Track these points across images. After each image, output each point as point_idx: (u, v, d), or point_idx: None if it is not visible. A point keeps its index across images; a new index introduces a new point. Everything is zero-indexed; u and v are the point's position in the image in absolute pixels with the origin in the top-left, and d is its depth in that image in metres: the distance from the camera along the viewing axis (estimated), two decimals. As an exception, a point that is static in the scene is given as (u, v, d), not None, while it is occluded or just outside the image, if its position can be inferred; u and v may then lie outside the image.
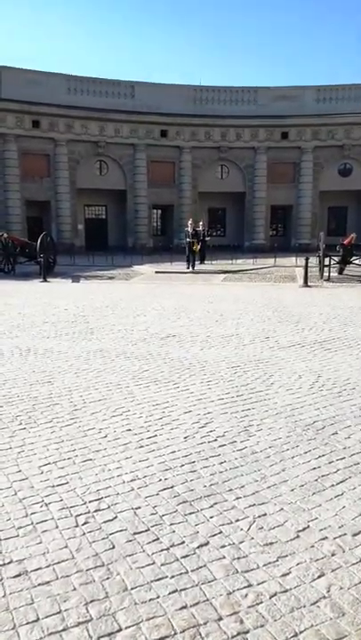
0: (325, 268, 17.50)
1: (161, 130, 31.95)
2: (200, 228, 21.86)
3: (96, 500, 3.15)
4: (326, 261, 17.61)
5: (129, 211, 32.59)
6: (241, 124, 32.36)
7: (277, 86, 32.72)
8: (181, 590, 2.40)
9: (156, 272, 20.20)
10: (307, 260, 15.74)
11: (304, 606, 2.30)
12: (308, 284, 15.40)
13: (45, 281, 16.90)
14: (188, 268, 20.44)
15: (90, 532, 2.83)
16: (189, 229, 20.74)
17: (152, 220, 34.16)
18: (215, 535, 2.81)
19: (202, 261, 22.74)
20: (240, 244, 33.22)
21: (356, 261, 17.79)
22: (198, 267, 21.72)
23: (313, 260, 17.77)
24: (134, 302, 12.03)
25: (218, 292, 14.23)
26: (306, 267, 15.59)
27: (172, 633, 2.15)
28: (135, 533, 2.82)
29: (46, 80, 29.67)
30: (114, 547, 2.70)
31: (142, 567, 2.55)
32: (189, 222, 21.34)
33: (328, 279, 17.07)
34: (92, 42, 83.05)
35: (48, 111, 29.54)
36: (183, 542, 2.74)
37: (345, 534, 2.81)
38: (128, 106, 31.20)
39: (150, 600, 2.33)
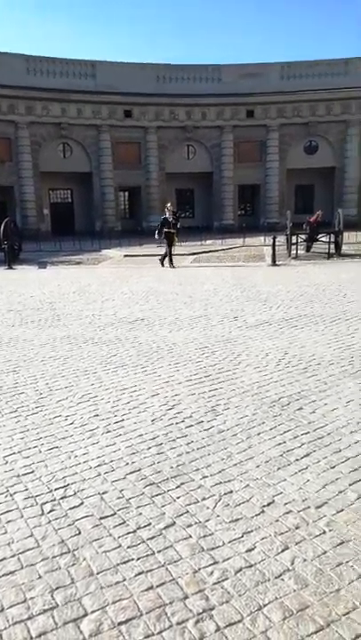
0: (293, 247, 17.64)
1: (124, 110, 31.40)
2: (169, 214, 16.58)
3: (62, 487, 3.13)
4: (294, 240, 17.74)
5: (95, 194, 32.10)
6: (206, 103, 32.04)
7: (242, 63, 32.44)
8: (148, 572, 2.41)
9: (125, 256, 20.03)
10: (274, 238, 15.82)
11: (268, 580, 2.34)
12: (277, 262, 15.50)
13: (10, 268, 16.57)
14: (164, 265, 15.97)
15: (55, 519, 2.82)
16: (168, 215, 16.09)
17: (119, 203, 33.75)
18: (181, 515, 2.82)
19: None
20: (209, 225, 33.15)
21: (323, 239, 17.96)
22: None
23: (281, 239, 17.88)
24: (102, 287, 11.90)
25: (187, 274, 14.20)
26: (273, 246, 15.67)
27: (138, 614, 2.16)
28: (102, 518, 2.81)
29: (5, 61, 28.70)
30: (80, 532, 2.69)
31: (108, 551, 2.55)
32: (167, 206, 17.00)
33: (296, 257, 17.22)
34: (52, 21, 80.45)
35: (7, 93, 28.67)
36: (150, 524, 2.75)
37: (309, 507, 2.86)
38: (90, 86, 30.51)
39: (116, 583, 2.34)
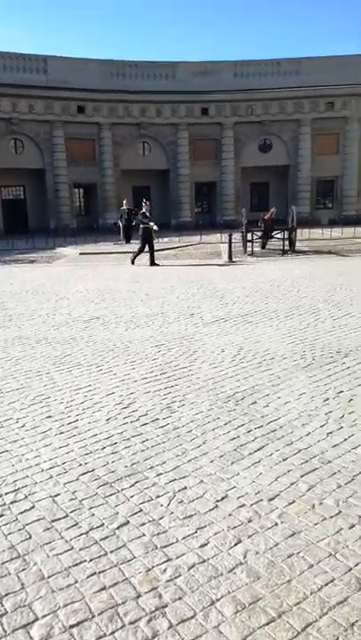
0: (249, 244, 17.85)
1: (78, 106, 30.89)
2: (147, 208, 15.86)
3: (12, 491, 3.05)
4: (249, 237, 17.96)
5: (49, 190, 31.46)
6: (161, 100, 31.93)
7: (196, 61, 32.52)
8: (100, 572, 2.38)
9: (81, 253, 19.76)
10: (230, 236, 15.96)
11: (221, 574, 2.35)
12: (233, 259, 15.64)
13: None
14: (135, 263, 15.25)
15: (5, 524, 2.74)
16: (145, 210, 15.59)
17: (75, 200, 33.23)
18: (135, 514, 2.80)
19: (127, 241, 22.49)
20: (166, 223, 33.09)
21: (278, 236, 18.26)
22: (126, 247, 21.46)
23: (237, 236, 18.06)
24: (57, 286, 11.70)
25: (144, 272, 14.14)
26: (230, 243, 15.81)
27: (90, 616, 2.13)
28: (53, 521, 2.76)
29: None
30: (30, 537, 2.63)
31: (60, 554, 2.50)
32: (144, 201, 16.34)
33: (252, 254, 17.43)
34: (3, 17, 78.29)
35: None
36: (103, 524, 2.72)
37: (261, 500, 2.90)
38: (42, 81, 29.85)
39: (68, 586, 2.30)
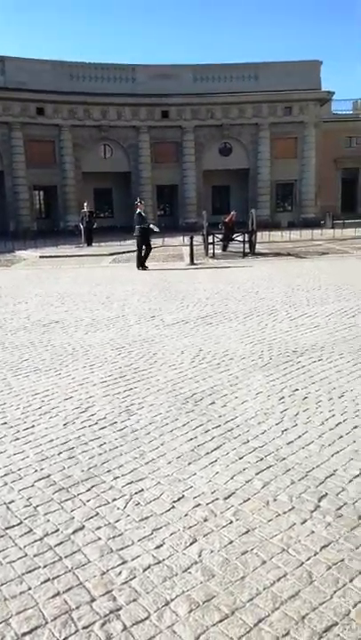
0: (210, 246, 17.99)
1: (37, 107, 30.43)
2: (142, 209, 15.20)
3: (-35, 499, 2.98)
4: (210, 239, 18.11)
5: (8, 193, 30.87)
6: (121, 103, 31.84)
7: (155, 64, 32.57)
8: (54, 578, 2.35)
9: (41, 257, 19.46)
10: (192, 238, 16.04)
11: (176, 574, 2.36)
12: (195, 262, 15.73)
13: None
14: (146, 268, 14.57)
15: None
16: (141, 211, 14.94)
17: (35, 203, 32.72)
18: (91, 518, 2.79)
19: (89, 244, 22.32)
20: (129, 225, 32.95)
21: (238, 238, 18.48)
22: (87, 249, 21.29)
23: (199, 239, 18.18)
24: (16, 289, 11.49)
25: (106, 275, 14.06)
26: (191, 245, 15.89)
27: (43, 622, 2.10)
28: (7, 528, 2.71)
29: None
30: (-17, 545, 2.58)
31: (14, 561, 2.47)
32: (139, 200, 15.60)
33: (213, 256, 17.57)
34: None
35: None
36: (58, 530, 2.69)
37: (217, 499, 2.93)
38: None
39: (21, 593, 2.27)
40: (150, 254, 15.18)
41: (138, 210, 14.95)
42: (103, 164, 33.35)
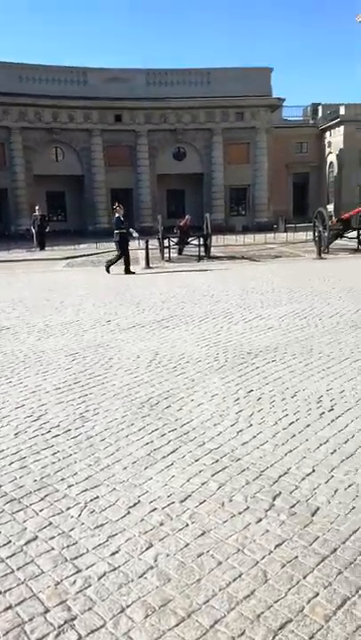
0: (166, 250, 18.04)
1: (-15, 109, 29.81)
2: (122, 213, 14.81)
3: None
4: (166, 243, 18.16)
5: None
6: (72, 105, 31.58)
7: (107, 68, 32.47)
8: (6, 591, 2.28)
9: (-7, 262, 18.96)
10: (147, 242, 16.03)
11: (132, 580, 2.34)
12: (150, 265, 15.72)
13: None
14: (133, 272, 14.26)
15: None
16: (120, 215, 14.62)
17: (-15, 207, 31.96)
18: (44, 528, 2.73)
19: (42, 248, 21.94)
20: (83, 229, 32.69)
21: (194, 242, 18.60)
22: (39, 254, 20.91)
23: (154, 243, 18.19)
24: (-34, 295, 11.14)
25: (59, 279, 13.85)
26: (147, 249, 15.87)
27: (-6, 639, 2.04)
28: None
29: None
30: None
31: None
32: (117, 205, 15.13)
33: (169, 260, 17.62)
34: None
35: None
36: (9, 542, 2.62)
37: (173, 502, 2.93)
38: None
39: (-29, 610, 2.18)
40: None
41: (117, 214, 14.79)
42: (55, 167, 32.92)
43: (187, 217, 19.88)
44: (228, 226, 32.43)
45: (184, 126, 33.58)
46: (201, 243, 18.02)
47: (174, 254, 18.58)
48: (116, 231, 14.60)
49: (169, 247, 18.12)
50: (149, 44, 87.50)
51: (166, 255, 17.92)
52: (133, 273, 14.22)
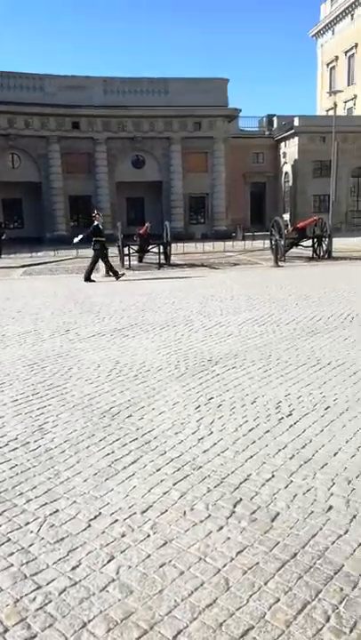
0: (126, 257, 17.99)
1: None
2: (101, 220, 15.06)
3: None
4: (126, 251, 18.11)
5: None
6: (29, 112, 31.16)
7: (65, 75, 32.23)
8: None
9: None
10: (107, 250, 15.93)
11: (94, 594, 2.31)
12: (110, 273, 15.61)
13: None
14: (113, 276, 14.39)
15: None
16: (99, 223, 14.77)
17: None
18: (3, 544, 2.65)
19: (-1, 256, 21.49)
20: (40, 236, 32.22)
21: (154, 249, 18.64)
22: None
23: (114, 250, 18.10)
24: None
25: (16, 288, 13.58)
26: (106, 257, 15.75)
27: None
28: None
29: None
30: None
31: None
32: (97, 213, 15.45)
33: (129, 267, 17.57)
34: None
35: None
36: (-34, 561, 2.53)
37: (135, 513, 2.91)
38: None
39: None
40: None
41: (95, 222, 14.76)
42: (12, 174, 32.37)
43: (147, 224, 19.90)
44: (188, 234, 32.68)
45: (143, 135, 33.69)
46: (161, 250, 18.08)
47: (134, 262, 18.56)
48: (94, 239, 14.58)
49: (129, 255, 18.08)
50: (107, 53, 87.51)
51: (126, 263, 17.86)
52: (94, 281, 14.12)
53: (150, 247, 18.98)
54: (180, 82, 33.46)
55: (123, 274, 14.79)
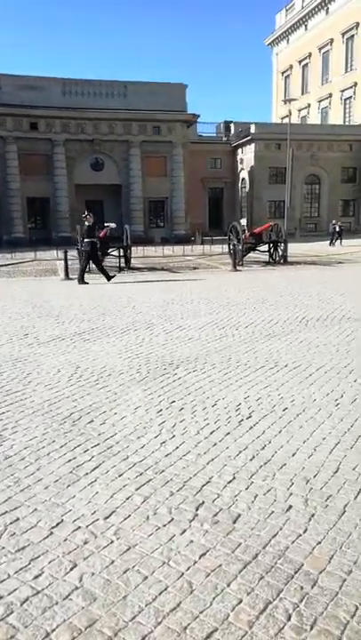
0: (85, 260, 17.78)
1: None
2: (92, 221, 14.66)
3: None
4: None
5: None
6: (-15, 111, 30.46)
7: (21, 75, 31.67)
8: None
9: None
10: (66, 252, 15.76)
11: (57, 603, 2.28)
12: (70, 276, 15.44)
13: None
14: (86, 282, 14.08)
15: None
16: (90, 224, 14.48)
17: None
18: None
19: None
20: (-4, 239, 31.48)
21: (114, 253, 18.54)
22: None
23: (74, 253, 17.90)
24: None
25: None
26: (65, 260, 15.60)
27: None
28: None
29: None
30: None
31: None
32: (87, 214, 15.00)
33: (89, 271, 17.34)
34: None
35: None
36: None
37: (97, 519, 2.89)
38: None
39: None
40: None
41: (86, 223, 14.48)
42: (-33, 174, 31.49)
43: (106, 227, 19.75)
44: (148, 237, 32.68)
45: (102, 137, 33.50)
46: (121, 254, 18.00)
47: (94, 265, 18.36)
48: (86, 240, 14.36)
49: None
50: (66, 55, 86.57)
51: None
52: (87, 283, 14.00)
53: (110, 250, 18.85)
54: (139, 85, 33.49)
55: (113, 275, 14.65)
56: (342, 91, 44.48)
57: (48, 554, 2.60)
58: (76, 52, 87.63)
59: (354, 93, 43.10)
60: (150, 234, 34.22)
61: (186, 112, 34.69)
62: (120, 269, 17.44)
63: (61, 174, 33.15)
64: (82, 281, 14.19)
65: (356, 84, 42.50)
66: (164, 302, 10.55)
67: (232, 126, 43.09)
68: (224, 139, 43.41)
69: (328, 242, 28.33)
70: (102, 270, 14.46)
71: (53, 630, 2.13)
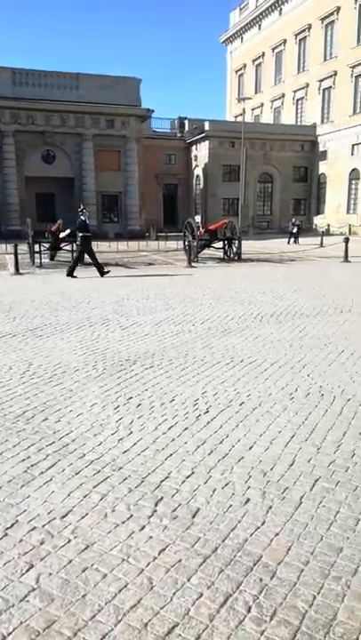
0: (36, 255, 17.41)
1: None
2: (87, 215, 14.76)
3: None
4: (37, 248, 17.53)
5: None
6: None
7: (-31, 62, 30.57)
8: None
9: None
10: (16, 246, 15.34)
11: (13, 605, 2.21)
12: (20, 271, 15.05)
13: None
14: (75, 276, 13.90)
15: None
16: (85, 218, 14.32)
17: None
18: None
19: None
20: None
21: (67, 247, 18.21)
22: None
23: (24, 247, 17.46)
24: None
25: None
26: (15, 254, 15.18)
27: None
28: None
29: None
30: None
31: None
32: (83, 208, 14.94)
33: (40, 266, 17.03)
34: None
35: None
36: None
37: (54, 519, 2.82)
38: None
39: None
40: (76, 263, 14.40)
41: (82, 217, 14.19)
42: None
43: (58, 222, 19.39)
44: (102, 232, 32.28)
45: (53, 129, 32.83)
46: (74, 249, 17.70)
47: (46, 260, 18.01)
48: (80, 234, 14.12)
49: (40, 252, 17.52)
50: (17, 44, 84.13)
51: (37, 261, 17.29)
52: (76, 277, 13.77)
53: (63, 245, 18.52)
54: (92, 78, 33.00)
55: (108, 270, 14.35)
56: (295, 91, 45.41)
57: (3, 555, 2.52)
58: (26, 51, 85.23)
59: (306, 94, 44.08)
60: (104, 229, 33.85)
61: (140, 106, 34.50)
62: (75, 264, 17.14)
63: (10, 166, 32.27)
64: (71, 275, 13.97)
65: (308, 85, 43.47)
66: (120, 298, 10.45)
67: (186, 123, 43.19)
68: (179, 135, 43.46)
69: (286, 240, 28.74)
70: (97, 265, 14.21)
71: (10, 633, 2.06)
